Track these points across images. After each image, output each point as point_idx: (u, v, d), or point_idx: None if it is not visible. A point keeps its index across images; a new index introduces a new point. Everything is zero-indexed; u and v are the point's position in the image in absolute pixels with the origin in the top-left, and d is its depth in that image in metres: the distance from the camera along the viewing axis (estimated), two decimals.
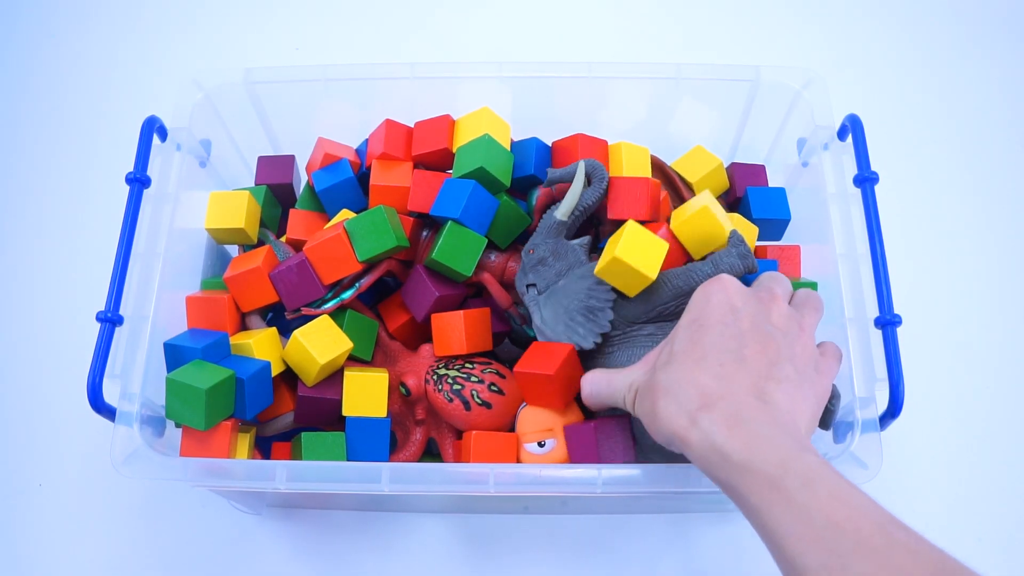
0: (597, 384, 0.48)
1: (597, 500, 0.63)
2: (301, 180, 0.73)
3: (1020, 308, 0.76)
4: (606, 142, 0.64)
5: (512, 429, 0.61)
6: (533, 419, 0.55)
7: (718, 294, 0.43)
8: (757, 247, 0.64)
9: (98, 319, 0.53)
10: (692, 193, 0.67)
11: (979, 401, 0.71)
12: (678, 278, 0.51)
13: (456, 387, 0.56)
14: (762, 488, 0.33)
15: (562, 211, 0.55)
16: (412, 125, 0.66)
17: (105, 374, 0.52)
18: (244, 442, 0.56)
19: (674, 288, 0.51)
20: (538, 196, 0.61)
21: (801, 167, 0.65)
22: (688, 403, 0.38)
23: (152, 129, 0.59)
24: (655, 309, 0.51)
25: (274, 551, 0.66)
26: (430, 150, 0.63)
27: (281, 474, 0.50)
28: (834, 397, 0.49)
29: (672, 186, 0.66)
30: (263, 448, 0.61)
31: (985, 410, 0.71)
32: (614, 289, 0.51)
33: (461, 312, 0.58)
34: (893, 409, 0.50)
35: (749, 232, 0.61)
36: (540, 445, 0.54)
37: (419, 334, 0.63)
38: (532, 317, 0.55)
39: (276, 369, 0.58)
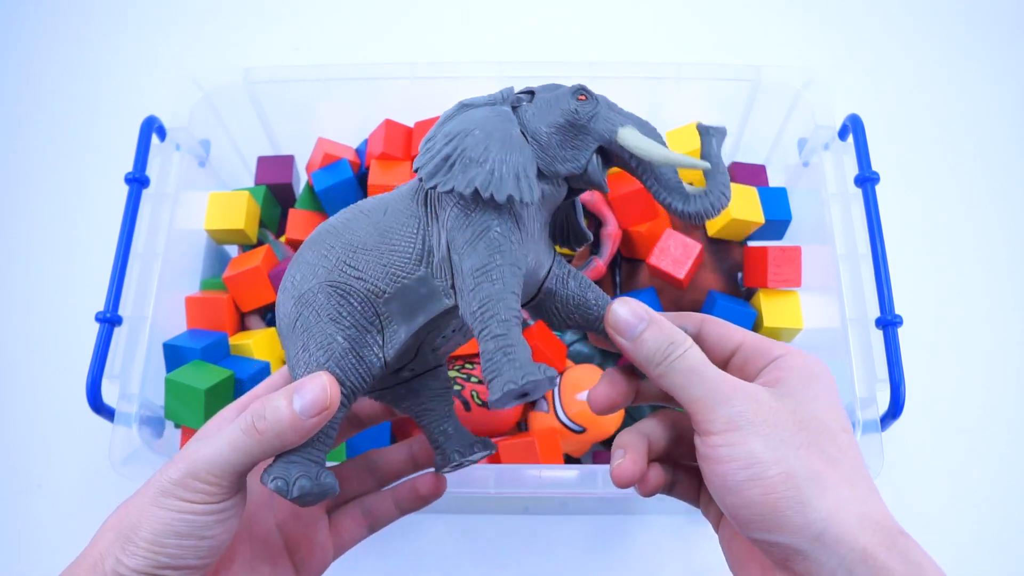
0: (692, 348, 0.33)
1: (597, 500, 0.63)
2: (301, 180, 0.73)
3: (1020, 308, 0.75)
4: None
5: (512, 430, 0.61)
6: (582, 374, 0.58)
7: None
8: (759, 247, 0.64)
9: (97, 319, 0.53)
10: None
11: (980, 401, 0.71)
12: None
13: (456, 387, 0.56)
14: None
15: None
16: (412, 125, 0.66)
17: (104, 374, 0.52)
18: None
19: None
20: None
21: (802, 167, 0.65)
22: (881, 517, 0.30)
23: (151, 129, 0.59)
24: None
25: None
26: None
27: None
28: None
29: None
30: None
31: (986, 410, 0.71)
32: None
33: None
34: (894, 410, 0.50)
35: (747, 197, 0.62)
36: None
37: None
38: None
39: (276, 369, 0.58)
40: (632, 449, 0.35)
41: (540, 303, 0.37)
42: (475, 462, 0.40)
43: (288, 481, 0.32)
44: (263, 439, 0.32)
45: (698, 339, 0.36)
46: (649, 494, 0.37)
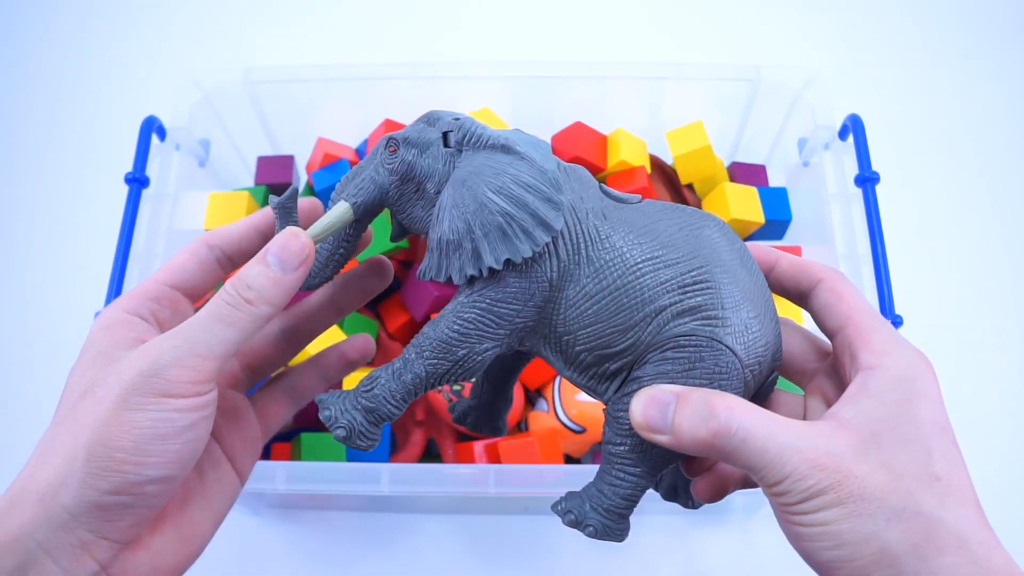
0: (746, 422, 0.27)
1: None
2: (301, 180, 0.73)
3: (1021, 308, 0.75)
4: (605, 136, 0.64)
5: (512, 430, 0.61)
6: None
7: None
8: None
9: None
10: (693, 193, 0.67)
11: (980, 401, 0.71)
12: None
13: (456, 388, 0.56)
14: None
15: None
16: None
17: None
18: None
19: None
20: None
21: (802, 167, 0.65)
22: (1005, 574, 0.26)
23: (151, 129, 0.59)
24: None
25: (273, 552, 0.66)
26: None
27: (281, 475, 0.50)
28: None
29: (673, 186, 0.66)
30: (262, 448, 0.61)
31: (986, 410, 0.71)
32: None
33: None
34: None
35: (747, 197, 0.62)
36: None
37: None
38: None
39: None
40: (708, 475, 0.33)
41: None
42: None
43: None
44: (254, 309, 0.29)
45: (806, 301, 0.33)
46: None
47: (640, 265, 0.29)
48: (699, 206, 0.66)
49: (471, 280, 0.30)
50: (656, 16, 0.92)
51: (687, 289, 0.29)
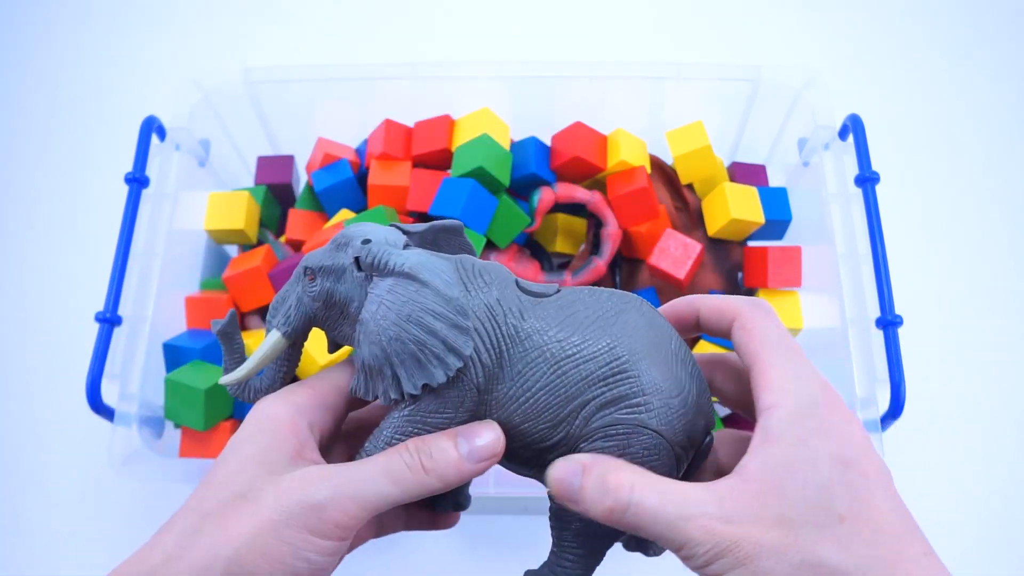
0: (636, 495, 0.28)
1: None
2: (300, 180, 0.73)
3: (1021, 308, 0.75)
4: (605, 136, 0.64)
5: None
6: None
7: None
8: (758, 247, 0.64)
9: (97, 319, 0.53)
10: (693, 193, 0.67)
11: (980, 401, 0.71)
12: None
13: None
14: None
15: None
16: (412, 125, 0.66)
17: (104, 374, 0.52)
18: None
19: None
20: (540, 197, 0.61)
21: (802, 167, 0.65)
22: None
23: (151, 129, 0.59)
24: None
25: None
26: (430, 150, 0.63)
27: None
28: None
29: (673, 187, 0.66)
30: None
31: (986, 410, 0.71)
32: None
33: None
34: (894, 410, 0.50)
35: (747, 197, 0.61)
36: None
37: None
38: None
39: None
40: None
41: None
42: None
43: None
44: (426, 479, 0.30)
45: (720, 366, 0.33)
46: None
47: (561, 363, 0.30)
48: (699, 206, 0.66)
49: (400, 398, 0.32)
50: (656, 16, 0.92)
51: (608, 381, 0.30)
